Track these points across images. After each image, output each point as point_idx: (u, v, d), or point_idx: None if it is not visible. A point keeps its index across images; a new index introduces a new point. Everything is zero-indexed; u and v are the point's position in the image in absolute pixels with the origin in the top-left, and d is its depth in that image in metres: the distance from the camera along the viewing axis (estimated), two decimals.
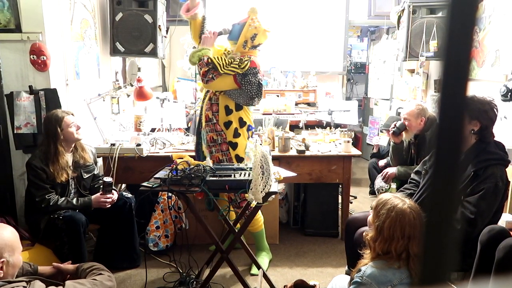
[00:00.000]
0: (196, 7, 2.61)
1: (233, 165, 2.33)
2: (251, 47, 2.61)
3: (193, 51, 2.58)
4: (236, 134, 2.64)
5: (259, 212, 2.74)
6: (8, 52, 2.69)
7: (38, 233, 2.47)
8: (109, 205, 2.56)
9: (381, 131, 4.00)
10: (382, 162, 3.52)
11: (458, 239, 0.37)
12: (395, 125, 3.01)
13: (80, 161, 2.61)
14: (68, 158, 2.56)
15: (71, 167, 2.58)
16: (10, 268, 1.65)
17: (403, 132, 3.00)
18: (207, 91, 2.70)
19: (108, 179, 2.57)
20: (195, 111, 3.55)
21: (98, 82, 3.42)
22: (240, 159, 2.64)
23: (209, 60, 2.52)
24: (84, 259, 2.40)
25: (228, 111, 2.62)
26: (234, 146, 2.65)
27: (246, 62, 2.53)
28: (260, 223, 2.86)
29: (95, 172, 2.74)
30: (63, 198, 2.48)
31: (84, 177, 2.64)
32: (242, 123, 2.66)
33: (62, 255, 2.44)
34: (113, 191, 2.60)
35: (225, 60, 2.54)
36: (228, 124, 2.63)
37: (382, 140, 3.80)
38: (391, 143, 3.12)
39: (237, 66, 2.52)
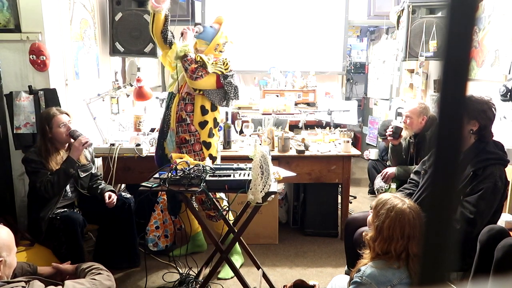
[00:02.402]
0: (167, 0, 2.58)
1: (233, 165, 2.33)
2: (218, 51, 2.67)
3: (181, 46, 2.54)
4: (211, 134, 2.66)
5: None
6: (7, 52, 2.69)
7: (39, 233, 2.47)
8: (87, 141, 2.48)
9: (378, 135, 4.01)
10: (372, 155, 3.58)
11: (457, 239, 0.37)
12: (392, 130, 3.00)
13: None
14: (63, 155, 2.55)
15: None
16: (6, 268, 1.65)
17: (402, 132, 3.00)
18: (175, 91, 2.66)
19: (71, 130, 2.49)
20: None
21: (98, 82, 3.42)
22: (213, 158, 2.66)
23: (199, 58, 2.52)
24: (82, 259, 2.39)
25: (204, 111, 2.62)
26: (208, 146, 2.66)
27: (229, 64, 2.57)
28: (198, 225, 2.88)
29: (93, 172, 2.74)
30: (51, 175, 2.41)
31: (81, 176, 2.63)
32: (216, 123, 2.69)
33: (60, 255, 2.43)
34: (106, 196, 2.59)
35: (208, 59, 2.55)
36: (203, 124, 2.63)
37: (372, 154, 3.80)
38: (390, 144, 3.12)
39: (222, 67, 2.55)
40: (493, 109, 2.08)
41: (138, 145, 3.05)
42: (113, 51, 3.50)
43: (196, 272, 2.60)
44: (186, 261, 2.67)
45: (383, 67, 5.42)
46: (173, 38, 2.68)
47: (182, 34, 2.57)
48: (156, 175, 2.16)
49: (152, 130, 3.61)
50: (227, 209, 2.46)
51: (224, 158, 2.93)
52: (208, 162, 2.26)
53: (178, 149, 2.67)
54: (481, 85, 3.24)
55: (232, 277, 2.66)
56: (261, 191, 1.96)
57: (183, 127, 2.63)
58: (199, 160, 2.54)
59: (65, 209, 2.54)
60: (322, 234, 3.35)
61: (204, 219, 2.63)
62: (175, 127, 2.65)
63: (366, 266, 1.57)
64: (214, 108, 2.65)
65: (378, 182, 3.10)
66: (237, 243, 2.60)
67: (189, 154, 2.59)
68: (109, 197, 2.61)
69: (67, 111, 2.57)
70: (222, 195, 2.66)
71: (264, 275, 2.49)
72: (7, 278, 1.67)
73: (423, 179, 2.35)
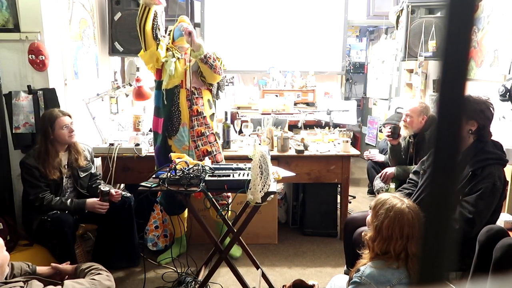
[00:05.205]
0: None
1: (232, 165, 2.34)
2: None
3: (201, 44, 2.58)
4: (216, 126, 2.86)
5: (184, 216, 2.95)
6: (6, 52, 2.68)
7: (31, 234, 2.47)
8: (104, 212, 2.54)
9: (383, 126, 3.97)
10: (380, 158, 3.52)
11: (456, 239, 0.37)
12: (391, 131, 3.00)
13: (73, 163, 2.60)
14: (62, 157, 2.55)
15: (65, 167, 2.57)
16: None
17: (400, 133, 3.00)
18: (177, 86, 2.63)
19: (105, 188, 2.55)
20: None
21: (97, 82, 3.42)
22: (221, 148, 2.88)
23: (215, 55, 2.66)
24: (74, 261, 2.37)
25: (210, 104, 2.78)
26: (218, 136, 2.86)
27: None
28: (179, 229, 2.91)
29: (92, 171, 2.74)
30: (57, 198, 2.46)
31: (81, 176, 2.63)
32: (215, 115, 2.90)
33: (56, 256, 2.42)
34: (113, 191, 2.59)
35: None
36: (212, 116, 2.79)
37: (371, 154, 3.77)
38: (389, 145, 3.11)
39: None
40: (491, 109, 2.09)
41: (137, 145, 3.05)
42: (112, 51, 3.49)
43: (195, 272, 2.59)
44: (187, 260, 2.67)
45: (382, 67, 5.42)
46: (161, 34, 2.68)
47: (190, 33, 2.54)
48: (155, 175, 2.16)
49: (152, 130, 3.60)
50: (227, 209, 2.46)
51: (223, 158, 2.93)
52: (207, 162, 2.26)
53: (193, 143, 2.69)
54: (480, 85, 3.25)
55: (240, 256, 2.94)
56: (260, 191, 1.96)
57: (199, 120, 2.69)
58: (216, 150, 2.74)
59: (57, 210, 2.48)
60: (322, 234, 3.35)
61: (206, 219, 2.64)
62: (188, 121, 2.66)
63: (365, 266, 1.57)
64: (214, 101, 2.85)
65: (378, 183, 3.09)
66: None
67: (205, 146, 2.70)
68: (115, 192, 2.60)
69: (69, 113, 2.58)
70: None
71: (264, 275, 2.49)
72: (2, 277, 1.66)
73: (422, 179, 2.36)
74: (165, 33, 3.86)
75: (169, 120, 2.66)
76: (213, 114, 2.81)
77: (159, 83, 2.67)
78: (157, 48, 2.58)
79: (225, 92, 2.98)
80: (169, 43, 2.74)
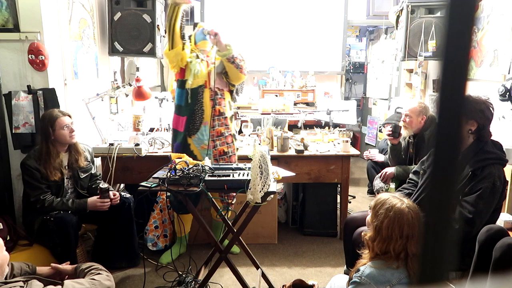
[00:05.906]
0: None
1: (232, 164, 2.34)
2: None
3: (229, 44, 2.61)
4: (233, 127, 2.88)
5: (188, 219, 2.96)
6: (6, 52, 2.68)
7: (33, 234, 2.47)
8: (107, 208, 2.55)
9: (383, 126, 3.96)
10: (380, 157, 3.51)
11: (456, 238, 0.37)
12: (391, 130, 2.99)
13: (74, 164, 2.60)
14: (63, 158, 2.55)
15: (66, 167, 2.57)
16: None
17: (401, 132, 3.00)
18: (200, 86, 2.67)
19: (103, 185, 2.56)
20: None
21: (97, 81, 3.42)
22: (236, 150, 2.90)
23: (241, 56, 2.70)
24: (75, 261, 2.37)
25: (230, 106, 2.82)
26: (235, 138, 2.88)
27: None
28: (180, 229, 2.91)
29: (92, 172, 2.73)
30: (59, 199, 2.46)
31: (81, 177, 2.63)
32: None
33: (58, 256, 2.42)
34: (111, 194, 2.59)
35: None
36: (232, 118, 2.84)
37: (371, 154, 3.76)
38: (389, 144, 3.11)
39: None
40: (491, 109, 2.09)
41: (137, 145, 3.05)
42: (112, 51, 3.49)
43: (195, 272, 2.59)
44: (189, 261, 2.67)
45: (382, 67, 5.42)
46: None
47: (216, 34, 2.57)
48: (155, 175, 2.16)
49: (151, 130, 3.61)
50: (227, 209, 2.46)
51: None
52: (207, 162, 2.26)
53: (212, 142, 2.72)
54: (480, 85, 3.25)
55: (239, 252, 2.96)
56: (260, 191, 1.96)
57: (220, 120, 2.73)
58: (231, 151, 2.78)
59: (59, 211, 2.49)
60: (321, 233, 3.35)
61: (205, 218, 2.64)
62: (210, 121, 2.69)
63: (365, 266, 1.57)
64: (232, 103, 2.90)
65: (378, 183, 3.09)
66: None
67: (222, 146, 2.74)
68: (113, 195, 2.61)
69: (69, 113, 2.57)
70: None
71: (263, 275, 2.49)
72: (1, 277, 1.66)
73: (422, 179, 2.36)
74: (165, 33, 3.86)
75: (191, 119, 2.70)
76: (232, 115, 2.85)
77: (181, 82, 2.70)
78: (183, 48, 2.61)
79: (241, 95, 3.01)
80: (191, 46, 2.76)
